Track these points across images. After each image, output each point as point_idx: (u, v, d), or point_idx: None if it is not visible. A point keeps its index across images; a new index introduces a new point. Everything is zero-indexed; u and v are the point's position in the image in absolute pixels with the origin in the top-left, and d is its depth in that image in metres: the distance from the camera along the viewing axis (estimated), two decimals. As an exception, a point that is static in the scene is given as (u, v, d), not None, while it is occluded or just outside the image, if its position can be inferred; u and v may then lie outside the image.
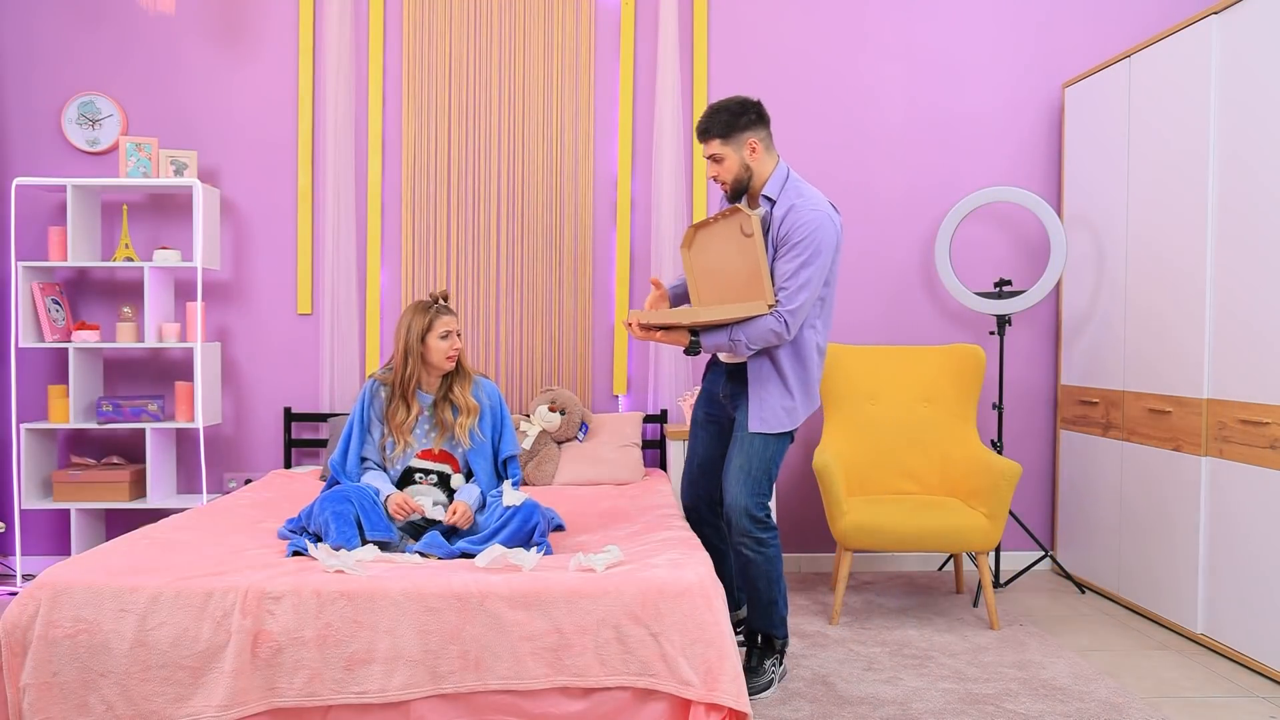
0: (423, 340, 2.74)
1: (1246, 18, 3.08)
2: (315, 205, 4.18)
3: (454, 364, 2.80)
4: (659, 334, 2.74)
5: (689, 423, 3.83)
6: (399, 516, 2.64)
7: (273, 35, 4.17)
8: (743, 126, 2.72)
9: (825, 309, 2.79)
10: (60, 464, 4.10)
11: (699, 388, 3.16)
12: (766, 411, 2.76)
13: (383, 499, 2.66)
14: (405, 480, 2.80)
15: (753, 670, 2.79)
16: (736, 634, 3.17)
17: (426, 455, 2.81)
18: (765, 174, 2.77)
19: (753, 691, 2.72)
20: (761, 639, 2.87)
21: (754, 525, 2.75)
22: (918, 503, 3.57)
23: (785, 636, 2.87)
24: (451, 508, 2.67)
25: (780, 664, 2.85)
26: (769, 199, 2.74)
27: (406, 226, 4.16)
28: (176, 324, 3.92)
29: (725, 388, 2.92)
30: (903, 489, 3.82)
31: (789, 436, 2.82)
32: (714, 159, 2.74)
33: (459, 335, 2.79)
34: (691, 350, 2.73)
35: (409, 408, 2.78)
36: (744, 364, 2.84)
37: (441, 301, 2.81)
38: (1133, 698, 2.77)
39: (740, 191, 2.79)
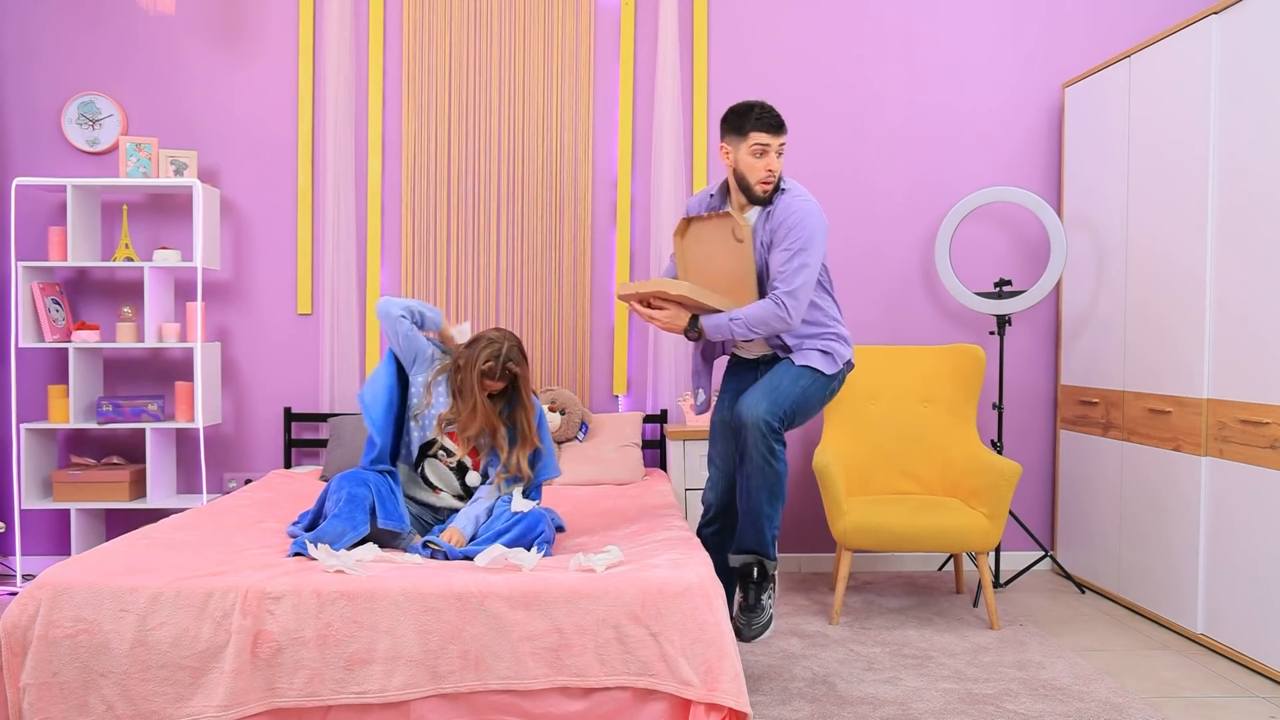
0: (479, 385, 2.75)
1: (1246, 18, 3.08)
2: (315, 205, 4.18)
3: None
4: (660, 320, 2.74)
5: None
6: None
7: (273, 35, 4.17)
8: None
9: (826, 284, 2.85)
10: (60, 464, 4.10)
11: (707, 394, 3.10)
12: (806, 357, 2.75)
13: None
14: (424, 452, 2.80)
15: (751, 609, 2.73)
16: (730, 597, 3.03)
17: (457, 438, 2.79)
18: None
19: (757, 631, 2.69)
20: (756, 572, 2.76)
21: (769, 433, 2.65)
22: (918, 503, 3.57)
23: (775, 559, 2.77)
24: (447, 532, 2.63)
25: (772, 595, 2.78)
26: (781, 190, 2.79)
27: (406, 226, 4.16)
28: (176, 324, 3.92)
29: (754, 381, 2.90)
30: (903, 489, 3.82)
31: (826, 390, 2.78)
32: (778, 153, 2.77)
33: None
34: (691, 329, 2.73)
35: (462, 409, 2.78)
36: (776, 355, 2.84)
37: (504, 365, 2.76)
38: (1133, 698, 2.77)
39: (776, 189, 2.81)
